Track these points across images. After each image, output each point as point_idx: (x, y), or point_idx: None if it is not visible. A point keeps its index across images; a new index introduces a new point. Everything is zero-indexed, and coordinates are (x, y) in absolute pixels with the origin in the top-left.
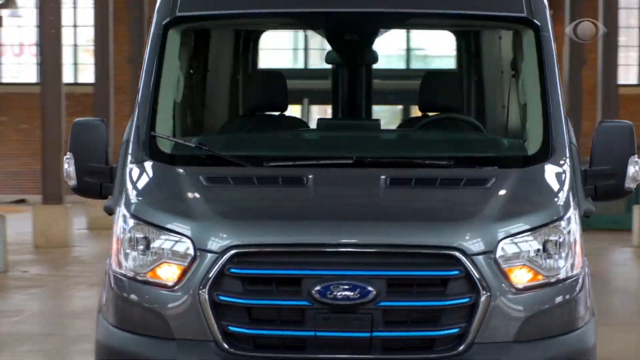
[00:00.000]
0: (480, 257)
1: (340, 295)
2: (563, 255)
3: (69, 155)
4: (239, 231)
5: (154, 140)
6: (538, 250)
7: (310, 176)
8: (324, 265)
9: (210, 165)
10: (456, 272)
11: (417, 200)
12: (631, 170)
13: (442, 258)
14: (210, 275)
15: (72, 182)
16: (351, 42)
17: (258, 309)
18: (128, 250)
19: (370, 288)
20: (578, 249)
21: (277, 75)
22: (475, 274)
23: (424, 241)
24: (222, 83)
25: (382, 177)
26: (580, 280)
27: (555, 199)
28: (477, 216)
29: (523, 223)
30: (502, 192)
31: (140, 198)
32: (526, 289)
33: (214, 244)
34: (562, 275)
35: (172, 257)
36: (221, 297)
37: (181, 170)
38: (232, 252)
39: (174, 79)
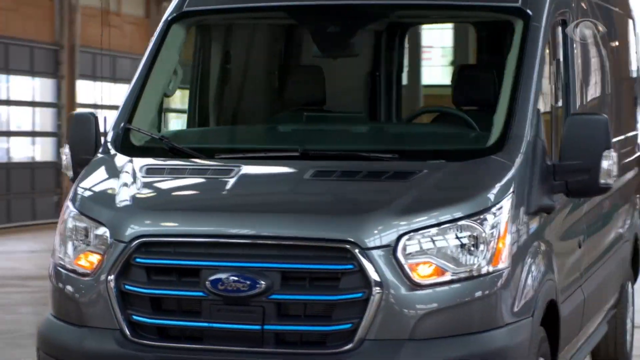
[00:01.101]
0: (377, 252)
1: (231, 287)
2: (478, 251)
3: (66, 147)
4: (146, 221)
5: (127, 133)
6: (445, 245)
7: (242, 168)
8: (219, 257)
9: (168, 157)
10: (350, 267)
11: (327, 194)
12: (605, 165)
13: (336, 252)
14: (117, 264)
15: (69, 173)
16: (335, 34)
17: (160, 299)
18: (63, 239)
19: (261, 280)
20: (504, 245)
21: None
22: (369, 269)
23: (319, 234)
24: (222, 79)
25: (311, 170)
26: (503, 277)
27: (477, 194)
28: (379, 210)
29: (430, 217)
30: (421, 186)
31: (81, 188)
32: (427, 285)
33: (124, 233)
34: (475, 272)
35: (94, 246)
36: (127, 287)
37: (131, 162)
38: (139, 241)
39: (168, 73)
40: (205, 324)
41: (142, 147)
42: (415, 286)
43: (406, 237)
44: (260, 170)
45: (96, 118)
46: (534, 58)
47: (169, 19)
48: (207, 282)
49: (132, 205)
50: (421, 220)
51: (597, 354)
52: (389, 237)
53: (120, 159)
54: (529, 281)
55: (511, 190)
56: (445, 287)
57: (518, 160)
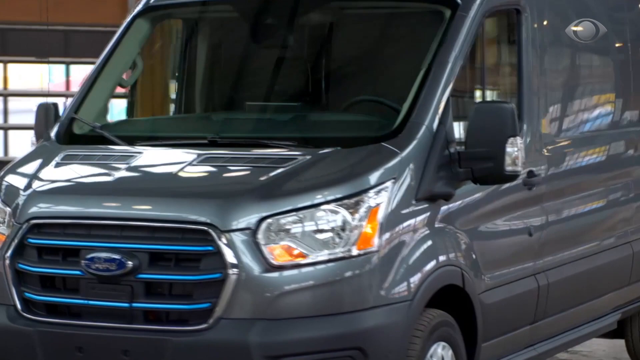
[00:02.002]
0: (236, 234)
1: (102, 266)
2: (340, 234)
3: (33, 136)
4: (39, 204)
5: (72, 122)
6: (305, 229)
7: (143, 155)
8: (95, 238)
9: (99, 145)
10: (209, 248)
11: (201, 179)
12: (510, 152)
13: (198, 234)
14: (13, 244)
15: None
16: (271, 26)
17: (48, 277)
18: None
19: (129, 261)
20: (374, 229)
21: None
22: (226, 251)
23: (182, 217)
24: (188, 72)
25: (202, 156)
26: (369, 261)
27: (346, 179)
28: (241, 194)
29: (293, 202)
30: (294, 172)
31: (6, 173)
32: (284, 267)
33: (20, 215)
34: (335, 255)
35: (4, 228)
36: (20, 265)
37: (59, 150)
38: (31, 222)
39: (125, 65)
40: (83, 301)
41: (82, 135)
42: (273, 268)
43: (268, 220)
44: (158, 156)
45: (57, 107)
46: (450, 47)
47: (135, 13)
48: (83, 262)
49: (31, 189)
50: (283, 204)
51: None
52: (249, 220)
53: (52, 148)
54: (410, 266)
55: (392, 176)
56: (303, 270)
57: (409, 148)
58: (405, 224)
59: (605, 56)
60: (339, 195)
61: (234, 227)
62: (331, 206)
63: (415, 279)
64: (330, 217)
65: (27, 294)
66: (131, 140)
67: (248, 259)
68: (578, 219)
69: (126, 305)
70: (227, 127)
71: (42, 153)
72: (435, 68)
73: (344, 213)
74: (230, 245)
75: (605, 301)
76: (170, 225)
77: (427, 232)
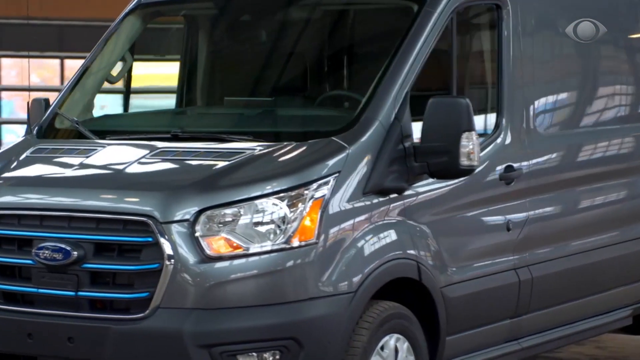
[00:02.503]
0: (174, 226)
1: (50, 256)
2: (277, 227)
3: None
4: (1, 195)
5: (55, 117)
6: (242, 222)
7: (105, 149)
8: (45, 228)
9: (76, 139)
10: (149, 239)
11: (147, 171)
12: (464, 147)
13: (139, 225)
14: None
15: None
16: (247, 23)
17: (6, 266)
18: None
19: (74, 251)
20: (313, 222)
21: None
22: (163, 242)
23: (125, 208)
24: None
25: (157, 150)
26: (306, 253)
27: (285, 173)
28: (181, 186)
29: (231, 195)
30: (238, 165)
31: None
32: (220, 258)
33: None
34: (271, 247)
35: None
36: None
37: (34, 144)
38: None
39: (114, 61)
40: (34, 290)
41: (62, 130)
42: (209, 259)
43: (206, 212)
44: (118, 150)
45: (48, 102)
46: (413, 42)
47: (127, 10)
48: (34, 252)
49: None
50: (221, 197)
51: None
52: (187, 212)
53: (30, 142)
54: (354, 258)
55: (336, 170)
56: (239, 261)
57: (358, 142)
58: (350, 217)
59: (602, 51)
60: (278, 188)
61: (172, 219)
62: (270, 199)
63: (359, 271)
64: (268, 209)
65: None
66: (104, 135)
67: (184, 250)
68: (567, 215)
69: (72, 293)
70: (193, 122)
71: (19, 147)
72: (394, 64)
73: (282, 206)
74: (168, 236)
75: (612, 297)
76: (114, 217)
77: (376, 225)
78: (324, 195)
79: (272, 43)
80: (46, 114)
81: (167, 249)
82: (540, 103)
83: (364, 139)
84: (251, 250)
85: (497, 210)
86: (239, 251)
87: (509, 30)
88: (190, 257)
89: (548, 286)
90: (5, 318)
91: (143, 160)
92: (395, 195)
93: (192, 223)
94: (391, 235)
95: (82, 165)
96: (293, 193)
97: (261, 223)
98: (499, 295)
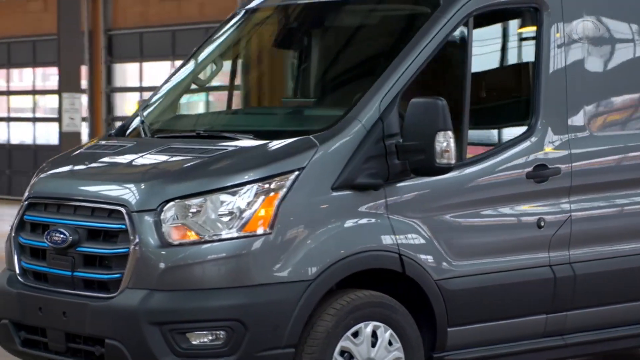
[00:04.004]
0: (142, 214)
1: (54, 240)
2: (234, 217)
3: None
4: (38, 185)
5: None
6: (201, 211)
7: (128, 146)
8: (58, 215)
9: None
10: (122, 226)
11: (138, 165)
12: (439, 145)
13: (116, 213)
14: (16, 221)
15: None
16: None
17: (33, 248)
18: None
19: (70, 235)
20: (268, 213)
21: None
22: (131, 228)
23: (109, 198)
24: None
25: (164, 147)
26: (260, 242)
27: (248, 168)
28: (152, 178)
29: (194, 187)
30: (210, 160)
31: None
32: (180, 245)
33: (26, 195)
34: (224, 236)
35: None
36: (20, 238)
37: (97, 141)
38: (27, 202)
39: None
40: (47, 269)
41: (135, 129)
42: (169, 246)
43: (171, 203)
44: (137, 148)
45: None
46: (413, 46)
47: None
48: (46, 236)
49: (42, 173)
50: (184, 188)
51: None
52: (154, 202)
53: (98, 140)
54: (314, 249)
55: (300, 166)
56: (196, 247)
57: (331, 140)
58: (312, 211)
59: None
60: (236, 182)
61: (141, 209)
62: (228, 192)
63: (318, 261)
64: (226, 201)
65: (22, 263)
66: (158, 133)
67: (149, 237)
68: (613, 217)
69: (69, 273)
70: (221, 122)
71: (87, 144)
72: (389, 67)
73: (238, 198)
74: (136, 223)
75: None
76: (101, 206)
77: (346, 219)
78: (282, 189)
79: (301, 50)
80: (132, 115)
81: (134, 235)
82: (590, 105)
83: (338, 137)
84: (207, 238)
85: (526, 207)
86: (196, 239)
87: (548, 35)
88: (153, 243)
89: (595, 285)
90: (23, 293)
91: (145, 156)
92: (377, 191)
93: (157, 212)
94: (364, 229)
95: (103, 161)
96: (250, 186)
97: (218, 214)
98: (522, 290)
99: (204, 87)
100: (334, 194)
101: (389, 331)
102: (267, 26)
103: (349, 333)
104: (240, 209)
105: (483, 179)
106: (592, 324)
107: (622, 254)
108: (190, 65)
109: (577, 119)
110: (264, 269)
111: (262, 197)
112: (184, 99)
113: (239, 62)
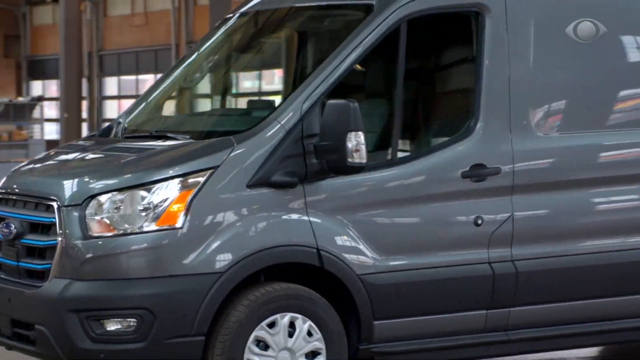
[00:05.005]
0: (69, 209)
1: (3, 232)
2: (148, 212)
3: None
4: (5, 180)
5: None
6: (119, 206)
7: (94, 145)
8: (10, 208)
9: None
10: (53, 219)
11: (78, 163)
12: (350, 145)
13: (50, 207)
14: None
15: None
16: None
17: None
18: None
19: (14, 228)
20: (181, 208)
21: None
22: (59, 222)
23: (47, 193)
24: None
25: (112, 146)
26: (166, 236)
27: (164, 166)
28: (80, 175)
29: (114, 183)
30: (135, 160)
31: None
32: (98, 237)
33: None
34: (139, 229)
35: None
36: None
37: (76, 141)
38: None
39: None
40: (1, 259)
41: (116, 130)
42: (89, 238)
43: (94, 198)
44: (90, 148)
45: None
46: (341, 50)
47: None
48: (1, 228)
49: (15, 168)
50: (107, 185)
51: None
52: (80, 197)
53: (77, 140)
54: (224, 244)
55: (214, 165)
56: (113, 240)
57: (248, 141)
58: (225, 207)
59: (603, 52)
60: (153, 179)
61: (69, 203)
62: (144, 188)
63: (230, 255)
64: (142, 197)
65: None
66: (125, 134)
67: (72, 229)
68: (559, 216)
69: (15, 263)
70: (172, 123)
71: (65, 144)
72: (316, 70)
73: (155, 194)
74: (64, 217)
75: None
76: (41, 201)
77: (261, 215)
78: (195, 186)
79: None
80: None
81: (61, 228)
82: (535, 107)
83: (256, 137)
84: (123, 232)
85: (459, 205)
86: (114, 232)
87: (490, 38)
88: (76, 236)
89: (539, 282)
90: None
91: (90, 155)
92: (295, 189)
93: (82, 207)
94: (279, 224)
95: (58, 159)
96: (166, 183)
97: (135, 208)
98: (457, 285)
99: (179, 91)
100: (250, 191)
101: (308, 322)
102: (234, 33)
103: (264, 323)
104: (155, 204)
105: (413, 177)
106: (537, 321)
107: (567, 252)
108: (173, 70)
109: (521, 121)
110: (175, 261)
111: (176, 194)
112: (161, 101)
113: (206, 67)
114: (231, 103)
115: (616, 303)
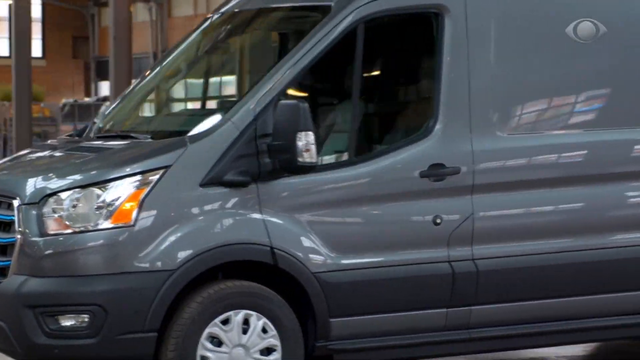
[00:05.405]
0: (28, 207)
1: None
2: (100, 210)
3: None
4: None
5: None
6: (73, 205)
7: (65, 145)
8: None
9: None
10: (13, 217)
11: (38, 162)
12: (300, 145)
13: (9, 205)
14: None
15: None
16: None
17: None
18: None
19: None
20: (134, 206)
21: None
22: (17, 219)
23: (10, 192)
24: None
25: (77, 145)
26: (124, 233)
27: (118, 165)
28: (39, 174)
29: (69, 182)
30: (92, 159)
31: None
32: (54, 235)
33: None
34: (92, 227)
35: None
36: None
37: (50, 141)
38: None
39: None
40: None
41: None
42: (45, 235)
43: (51, 197)
44: (59, 147)
45: None
46: (296, 52)
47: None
48: None
49: None
50: (63, 183)
51: None
52: (38, 196)
53: (54, 140)
54: (176, 241)
55: (166, 164)
56: (67, 238)
57: (202, 141)
58: (178, 205)
59: (563, 54)
60: (108, 177)
61: (28, 202)
62: (100, 186)
63: (182, 252)
64: (96, 195)
65: None
66: (97, 134)
67: (30, 227)
68: (513, 216)
69: None
70: (138, 123)
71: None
72: (270, 72)
73: (106, 193)
74: (23, 215)
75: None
76: (6, 200)
77: (214, 213)
78: (147, 185)
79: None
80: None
81: (19, 225)
82: (497, 107)
83: (209, 137)
84: (78, 230)
85: (416, 205)
86: (69, 230)
87: (450, 38)
88: (33, 233)
89: (501, 281)
90: None
91: (55, 155)
92: (248, 188)
93: (40, 205)
94: (232, 223)
95: (28, 159)
96: (119, 182)
97: (90, 207)
98: (416, 284)
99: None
100: (202, 190)
101: (263, 320)
102: (202, 36)
103: (217, 320)
104: (109, 202)
105: (370, 177)
106: (500, 320)
107: (528, 252)
108: (150, 72)
109: (482, 121)
110: (127, 258)
111: (128, 192)
112: (133, 102)
113: (174, 69)
114: (194, 104)
115: (577, 302)
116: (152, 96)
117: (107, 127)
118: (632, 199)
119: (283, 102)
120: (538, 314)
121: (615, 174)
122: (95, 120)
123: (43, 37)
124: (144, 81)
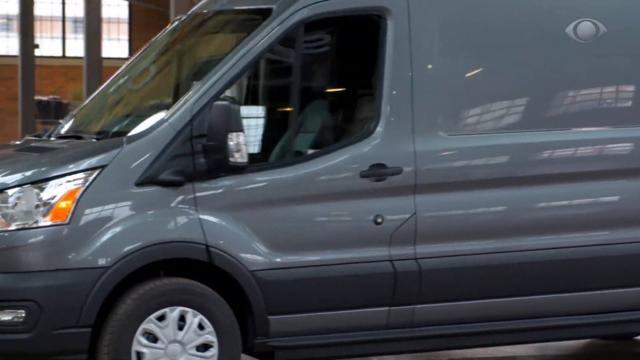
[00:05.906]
0: None
1: None
2: (35, 209)
3: None
4: None
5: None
6: (12, 203)
7: (19, 143)
8: None
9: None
10: None
11: (18, 161)
12: (231, 145)
13: None
14: None
15: None
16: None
17: None
18: None
19: None
20: (69, 205)
21: None
22: None
23: None
24: None
25: (37, 146)
26: (53, 232)
27: (56, 164)
28: None
29: (11, 181)
30: (36, 158)
31: None
32: None
33: None
34: (27, 225)
35: None
36: None
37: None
38: None
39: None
40: None
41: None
42: None
43: None
44: (15, 147)
45: None
46: (235, 54)
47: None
48: None
49: None
50: (4, 182)
51: None
52: None
53: (16, 140)
54: (111, 239)
55: (102, 164)
56: (5, 235)
57: (138, 141)
58: (113, 204)
59: (508, 56)
60: (46, 176)
61: None
62: (39, 185)
63: (116, 250)
64: (32, 194)
65: None
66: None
67: None
68: (456, 216)
69: None
70: (92, 123)
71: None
72: (209, 73)
73: (42, 192)
74: None
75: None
76: None
77: (149, 212)
78: (82, 184)
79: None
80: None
81: None
82: (440, 108)
83: (146, 138)
84: (13, 227)
85: (357, 204)
86: (9, 227)
87: (392, 40)
88: None
89: (444, 280)
90: None
91: (8, 154)
92: (184, 187)
93: None
94: (166, 221)
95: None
96: (56, 181)
97: (28, 205)
98: (356, 283)
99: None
100: (138, 189)
101: (199, 316)
102: (162, 39)
103: (152, 316)
104: (45, 201)
105: (308, 176)
106: (444, 319)
107: (472, 251)
108: (119, 72)
109: (425, 121)
110: (62, 255)
111: (65, 191)
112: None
113: (133, 71)
114: (142, 106)
115: (521, 302)
116: (111, 98)
117: (67, 128)
118: (564, 201)
119: (216, 103)
120: (482, 313)
121: (555, 175)
122: (61, 121)
123: (130, 38)
124: (109, 82)
